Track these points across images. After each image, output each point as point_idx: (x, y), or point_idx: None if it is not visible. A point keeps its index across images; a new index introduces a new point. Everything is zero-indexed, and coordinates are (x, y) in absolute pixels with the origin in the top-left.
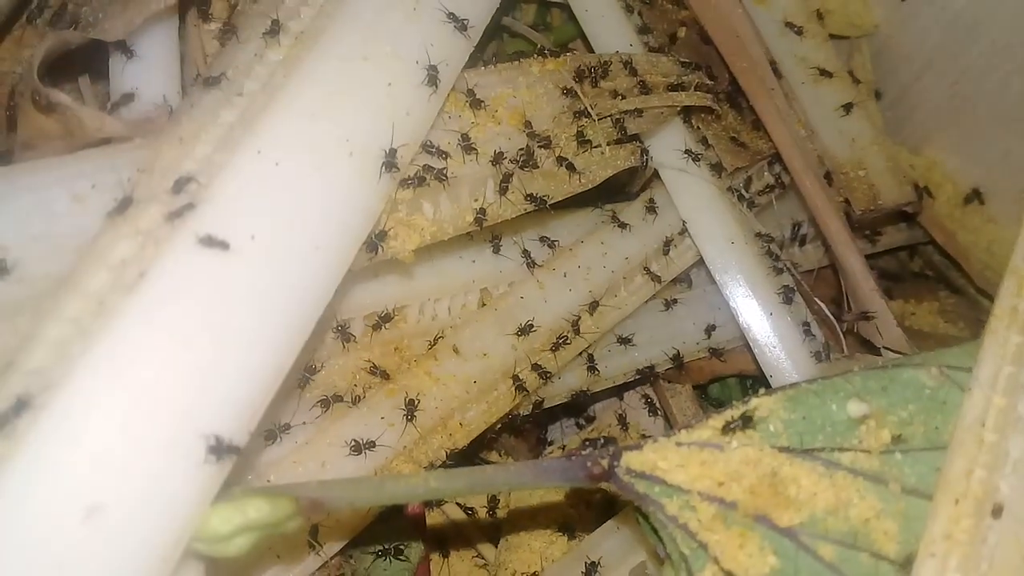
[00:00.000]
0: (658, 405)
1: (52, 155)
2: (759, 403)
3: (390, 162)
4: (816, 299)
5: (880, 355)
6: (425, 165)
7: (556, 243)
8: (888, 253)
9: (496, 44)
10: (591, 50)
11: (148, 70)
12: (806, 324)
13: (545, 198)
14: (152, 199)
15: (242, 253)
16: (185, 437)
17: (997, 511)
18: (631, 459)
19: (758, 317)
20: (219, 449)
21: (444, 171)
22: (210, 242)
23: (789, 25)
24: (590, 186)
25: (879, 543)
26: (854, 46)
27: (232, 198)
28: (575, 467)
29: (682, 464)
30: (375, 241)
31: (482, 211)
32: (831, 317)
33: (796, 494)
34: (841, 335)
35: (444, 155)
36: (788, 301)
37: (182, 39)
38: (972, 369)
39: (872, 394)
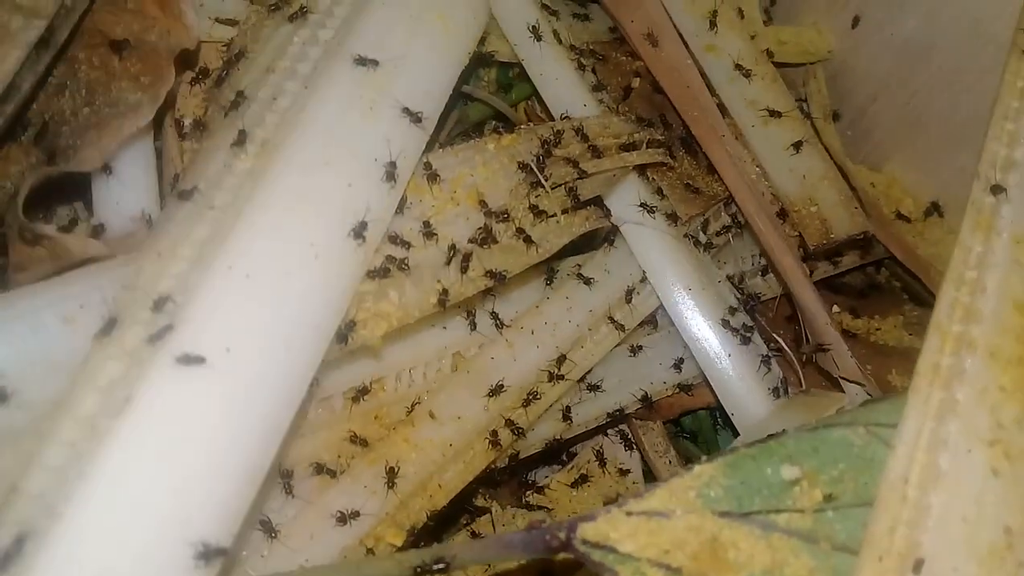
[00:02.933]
0: (633, 440)
1: (42, 274)
2: (701, 470)
3: (358, 231)
4: (775, 334)
5: (838, 384)
6: (388, 256)
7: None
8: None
9: (459, 111)
10: (546, 108)
11: (127, 185)
12: (765, 358)
13: (504, 273)
14: (135, 319)
15: (218, 366)
16: (175, 546)
17: (918, 566)
18: (586, 530)
19: (717, 359)
20: (207, 553)
21: (406, 260)
22: (188, 360)
23: (738, 68)
24: (547, 255)
25: None
26: (809, 72)
27: (207, 315)
28: (535, 540)
29: (632, 533)
30: (344, 332)
31: (445, 292)
32: (789, 352)
33: (735, 557)
34: (799, 368)
35: (406, 245)
36: (746, 342)
37: (157, 151)
38: (897, 426)
39: (804, 455)
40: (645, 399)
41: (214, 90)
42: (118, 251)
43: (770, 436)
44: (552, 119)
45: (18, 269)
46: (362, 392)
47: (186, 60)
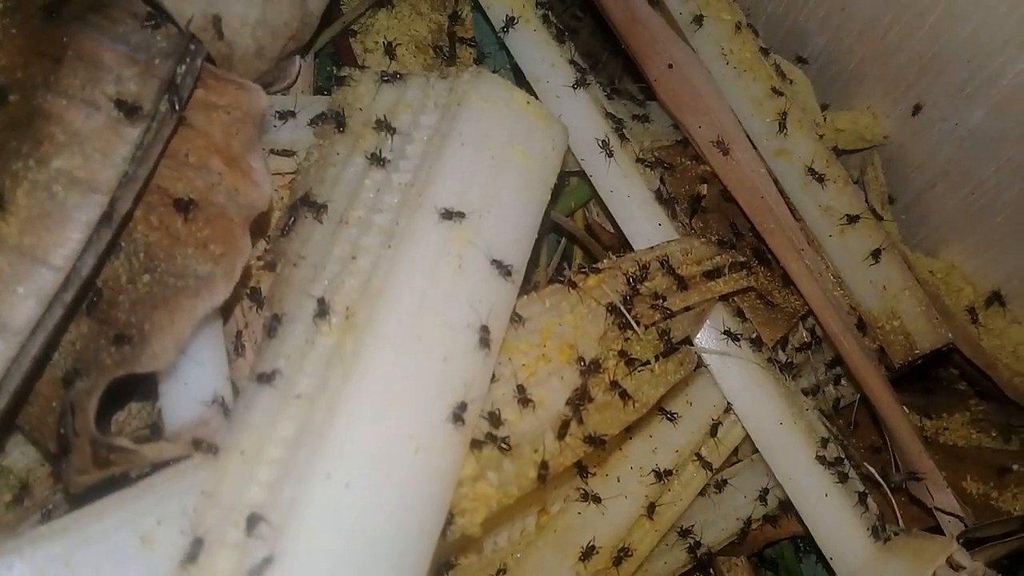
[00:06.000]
0: (713, 573)
1: (107, 476)
2: None
3: (457, 414)
4: (867, 465)
5: (932, 516)
6: (488, 434)
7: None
8: None
9: None
10: (610, 216)
11: (195, 363)
12: (862, 495)
13: (604, 438)
14: (223, 541)
15: None
16: None
17: None
18: None
19: (814, 499)
20: None
21: (507, 439)
22: None
23: (811, 172)
24: (644, 411)
25: None
26: (866, 158)
27: (307, 540)
28: None
29: None
30: (444, 525)
31: (544, 465)
32: (882, 482)
33: None
34: (893, 500)
35: (503, 422)
36: (843, 479)
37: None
38: None
39: None
40: (740, 538)
41: (280, 240)
42: (193, 448)
43: None
44: (617, 230)
45: (81, 472)
46: (446, 567)
47: (257, 223)
